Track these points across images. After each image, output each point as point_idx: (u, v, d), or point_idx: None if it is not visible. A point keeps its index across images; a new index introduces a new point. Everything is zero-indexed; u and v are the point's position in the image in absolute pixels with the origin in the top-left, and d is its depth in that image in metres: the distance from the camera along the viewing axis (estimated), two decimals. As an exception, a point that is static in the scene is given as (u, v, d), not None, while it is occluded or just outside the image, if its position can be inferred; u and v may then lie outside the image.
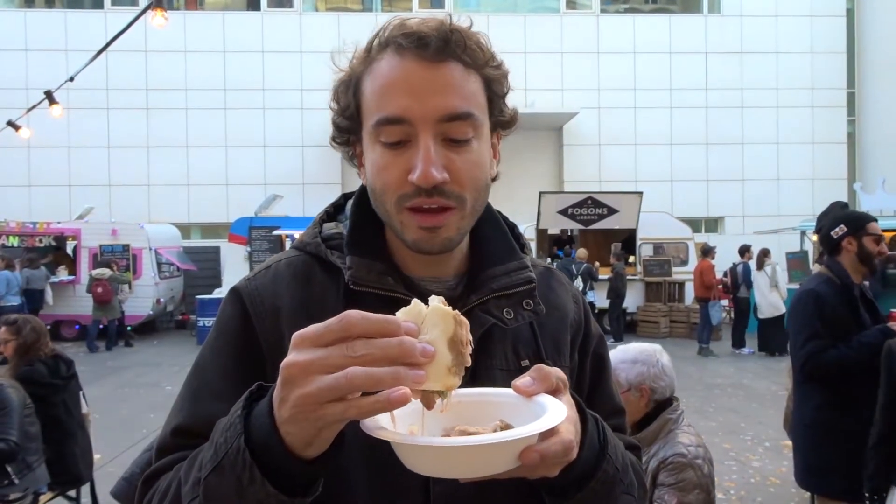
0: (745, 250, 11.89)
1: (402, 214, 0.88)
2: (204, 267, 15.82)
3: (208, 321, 12.12)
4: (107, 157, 17.44)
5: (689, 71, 18.39)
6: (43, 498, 3.73)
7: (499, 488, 0.75)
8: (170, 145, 17.45)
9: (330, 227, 1.01)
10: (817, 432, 3.06)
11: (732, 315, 12.37)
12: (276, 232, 13.92)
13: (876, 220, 3.17)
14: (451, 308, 0.67)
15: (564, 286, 1.10)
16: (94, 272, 12.43)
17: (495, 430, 0.69)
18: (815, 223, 3.65)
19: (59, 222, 14.30)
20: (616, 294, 12.77)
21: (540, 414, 0.70)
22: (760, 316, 11.31)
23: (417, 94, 0.84)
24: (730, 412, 7.69)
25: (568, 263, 12.73)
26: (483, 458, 0.67)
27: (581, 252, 13.04)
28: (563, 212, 14.01)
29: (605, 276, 13.02)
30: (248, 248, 14.23)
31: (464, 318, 0.67)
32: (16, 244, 13.52)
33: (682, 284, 13.67)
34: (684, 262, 14.01)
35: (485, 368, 0.91)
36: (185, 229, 17.26)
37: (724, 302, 12.17)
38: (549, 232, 15.03)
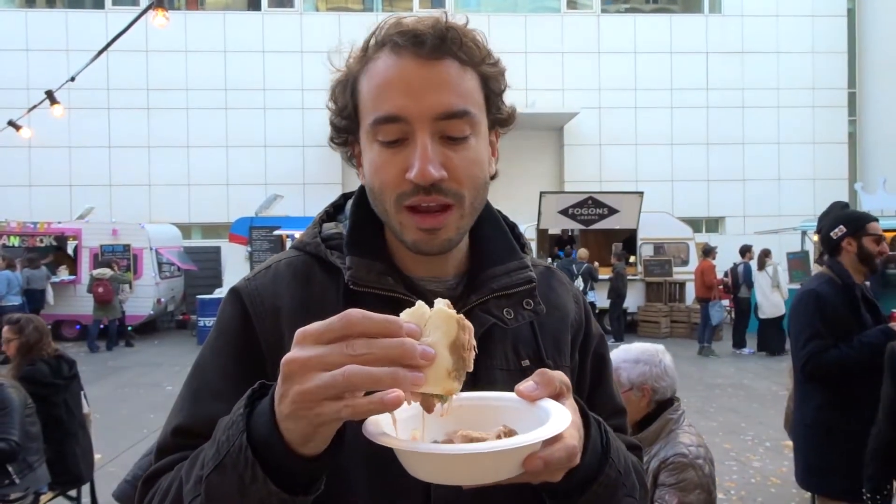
0: (745, 250, 11.87)
1: (401, 214, 0.88)
2: (204, 267, 15.81)
3: (209, 321, 12.12)
4: (107, 156, 17.45)
5: (690, 71, 18.38)
6: (44, 498, 3.73)
7: (500, 491, 0.74)
8: (170, 145, 17.46)
9: (330, 227, 1.01)
10: (818, 432, 3.05)
11: (733, 315, 12.36)
12: (276, 232, 13.94)
13: (877, 220, 3.16)
14: (455, 312, 0.66)
15: (565, 286, 1.10)
16: (95, 272, 12.44)
17: (499, 436, 0.68)
18: (815, 223, 3.64)
19: (59, 222, 14.31)
20: (617, 294, 12.76)
21: (543, 419, 0.69)
22: (762, 316, 11.30)
23: (414, 93, 0.84)
24: (730, 412, 7.68)
25: (568, 263, 12.73)
26: (486, 466, 0.66)
27: (582, 252, 13.04)
28: (564, 212, 14.01)
29: (606, 276, 13.00)
30: (249, 248, 14.25)
31: (468, 323, 0.66)
32: (16, 244, 13.53)
33: (682, 284, 13.67)
34: (685, 262, 14.01)
35: (485, 368, 0.90)
36: (186, 229, 17.27)
37: (725, 302, 12.14)
38: (550, 232, 15.03)
